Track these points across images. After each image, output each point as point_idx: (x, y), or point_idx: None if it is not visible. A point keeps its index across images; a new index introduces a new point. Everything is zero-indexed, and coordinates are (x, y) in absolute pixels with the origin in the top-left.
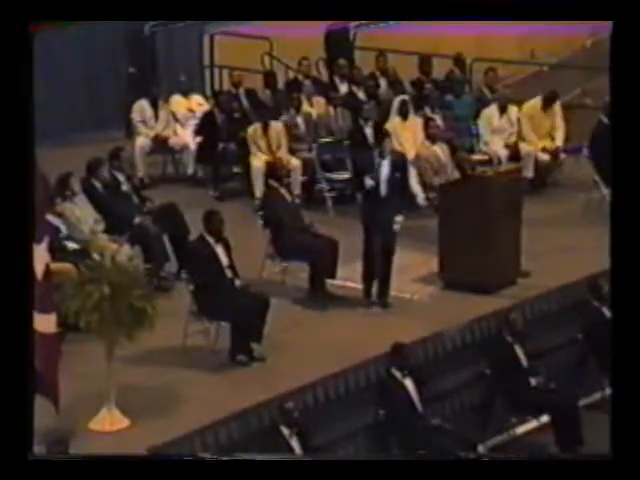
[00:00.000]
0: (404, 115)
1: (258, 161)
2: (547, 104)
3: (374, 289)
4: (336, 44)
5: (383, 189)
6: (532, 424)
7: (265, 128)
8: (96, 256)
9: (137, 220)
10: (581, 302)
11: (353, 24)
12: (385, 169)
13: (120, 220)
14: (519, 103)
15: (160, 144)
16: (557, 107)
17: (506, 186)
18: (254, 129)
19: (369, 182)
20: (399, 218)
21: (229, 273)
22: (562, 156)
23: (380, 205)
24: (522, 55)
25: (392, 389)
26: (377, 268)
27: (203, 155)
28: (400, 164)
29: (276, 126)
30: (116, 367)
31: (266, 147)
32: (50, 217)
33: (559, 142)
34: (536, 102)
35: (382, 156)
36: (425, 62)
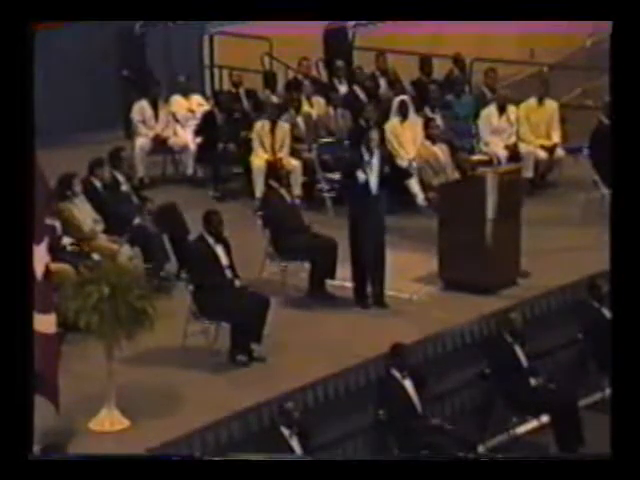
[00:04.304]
0: (404, 115)
1: (259, 161)
2: (540, 100)
3: (369, 290)
4: (335, 44)
5: (373, 186)
6: (532, 424)
7: (273, 126)
8: (96, 256)
9: (137, 220)
10: (581, 302)
11: (351, 24)
12: (374, 164)
13: (120, 220)
14: (518, 103)
15: (160, 144)
16: (554, 105)
17: (506, 186)
18: (262, 125)
19: (362, 176)
20: None
21: (229, 273)
22: (561, 153)
23: (371, 203)
24: (522, 55)
25: (392, 389)
26: (370, 269)
27: (203, 155)
28: (387, 158)
29: (283, 126)
30: (116, 367)
31: (270, 145)
32: (50, 218)
33: (556, 139)
34: (531, 102)
35: (370, 151)
36: (425, 62)
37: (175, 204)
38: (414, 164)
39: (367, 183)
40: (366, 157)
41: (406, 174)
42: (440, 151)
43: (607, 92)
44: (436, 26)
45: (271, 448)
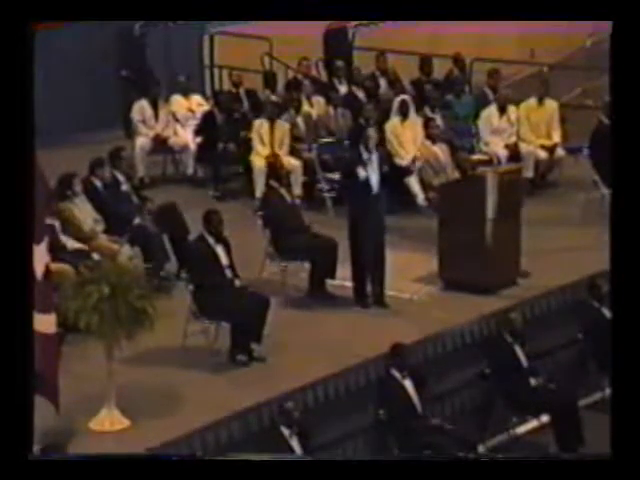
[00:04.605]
0: (404, 115)
1: (259, 160)
2: (540, 100)
3: (369, 290)
4: (335, 44)
5: (373, 185)
6: (532, 424)
7: (272, 125)
8: (96, 256)
9: (137, 220)
10: (581, 302)
11: (351, 24)
12: (374, 163)
13: (120, 220)
14: (518, 103)
15: (160, 144)
16: (554, 105)
17: (506, 186)
18: (260, 123)
19: (362, 173)
20: None
21: (229, 273)
22: (561, 153)
23: (371, 202)
24: (522, 55)
25: (392, 389)
26: (370, 268)
27: (203, 155)
28: (386, 157)
29: (282, 125)
30: (116, 367)
31: (269, 142)
32: (50, 218)
33: (556, 139)
34: (531, 102)
35: (368, 150)
36: (425, 62)
37: (175, 204)
38: (417, 164)
39: (367, 182)
40: (365, 156)
41: (405, 172)
42: (440, 151)
43: (607, 92)
44: (436, 26)
45: (271, 448)
